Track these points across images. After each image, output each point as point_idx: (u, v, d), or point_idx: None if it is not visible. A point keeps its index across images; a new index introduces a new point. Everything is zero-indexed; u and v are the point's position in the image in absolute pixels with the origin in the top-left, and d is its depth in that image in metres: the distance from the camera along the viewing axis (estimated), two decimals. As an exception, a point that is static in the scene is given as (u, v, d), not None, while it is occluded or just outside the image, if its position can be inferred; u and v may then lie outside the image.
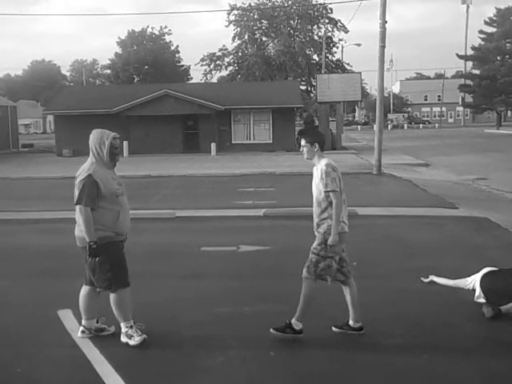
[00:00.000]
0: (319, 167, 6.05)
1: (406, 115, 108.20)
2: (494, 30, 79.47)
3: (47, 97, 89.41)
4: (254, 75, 72.31)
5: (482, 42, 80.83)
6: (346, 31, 75.60)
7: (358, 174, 23.28)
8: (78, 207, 5.84)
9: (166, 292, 7.89)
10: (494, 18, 79.71)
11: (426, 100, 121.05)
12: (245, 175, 24.36)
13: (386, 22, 23.99)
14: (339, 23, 74.81)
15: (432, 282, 7.65)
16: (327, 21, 75.28)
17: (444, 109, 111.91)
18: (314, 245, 6.04)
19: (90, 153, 6.02)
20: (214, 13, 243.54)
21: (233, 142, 40.73)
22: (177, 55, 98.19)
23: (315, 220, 6.11)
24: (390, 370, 5.37)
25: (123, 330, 6.07)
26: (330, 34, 75.09)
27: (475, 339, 6.13)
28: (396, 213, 14.22)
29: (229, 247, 10.52)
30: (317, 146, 6.09)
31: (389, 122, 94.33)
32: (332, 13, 74.82)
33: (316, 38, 75.98)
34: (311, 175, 6.16)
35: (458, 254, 9.91)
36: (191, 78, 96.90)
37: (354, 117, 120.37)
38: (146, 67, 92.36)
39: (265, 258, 9.74)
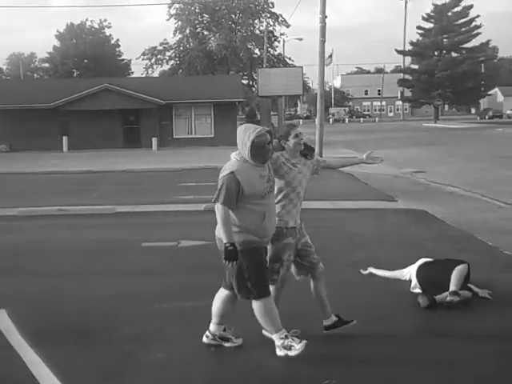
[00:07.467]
0: None
1: (347, 109, 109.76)
2: (432, 25, 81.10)
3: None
4: (195, 69, 71.89)
5: (420, 38, 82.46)
6: (288, 26, 75.78)
7: (300, 167, 23.32)
8: (215, 206, 5.30)
9: (105, 289, 7.77)
10: (432, 14, 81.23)
11: (366, 94, 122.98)
12: (186, 170, 24.23)
13: (326, 16, 24.30)
14: (281, 17, 75.05)
15: (371, 273, 7.76)
16: (269, 15, 75.36)
17: (384, 103, 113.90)
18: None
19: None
20: (155, 6, 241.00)
21: (174, 136, 40.49)
22: (117, 49, 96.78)
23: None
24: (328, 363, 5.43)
25: (277, 342, 5.37)
26: (271, 28, 75.30)
27: (410, 328, 6.27)
28: (338, 206, 14.40)
29: (169, 242, 10.45)
30: None
31: (330, 116, 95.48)
32: (273, 7, 74.92)
33: (257, 32, 75.98)
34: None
35: (396, 245, 10.09)
36: (132, 73, 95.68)
37: (296, 111, 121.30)
38: (86, 61, 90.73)
39: (205, 252, 9.67)
